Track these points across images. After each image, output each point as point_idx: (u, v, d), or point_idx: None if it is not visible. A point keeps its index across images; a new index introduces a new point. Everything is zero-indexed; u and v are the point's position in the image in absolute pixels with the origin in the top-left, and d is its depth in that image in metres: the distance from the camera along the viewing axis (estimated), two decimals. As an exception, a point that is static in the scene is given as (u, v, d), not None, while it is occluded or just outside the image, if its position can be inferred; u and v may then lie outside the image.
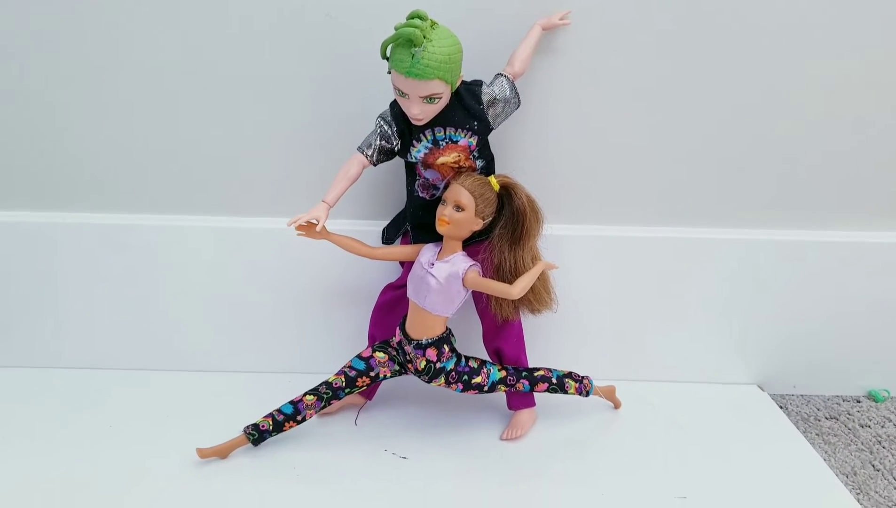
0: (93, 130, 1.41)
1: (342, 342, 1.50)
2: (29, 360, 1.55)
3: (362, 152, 1.25)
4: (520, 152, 1.41)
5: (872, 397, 1.56)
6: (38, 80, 1.37)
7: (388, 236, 1.42)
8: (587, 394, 1.38)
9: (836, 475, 1.28)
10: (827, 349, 1.55)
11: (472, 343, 1.40)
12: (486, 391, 1.31)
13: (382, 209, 1.45)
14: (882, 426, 1.45)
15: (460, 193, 1.19)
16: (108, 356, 1.55)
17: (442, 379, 1.27)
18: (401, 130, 1.23)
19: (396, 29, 1.10)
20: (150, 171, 1.45)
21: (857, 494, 1.25)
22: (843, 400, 1.54)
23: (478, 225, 1.22)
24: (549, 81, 1.37)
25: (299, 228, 1.21)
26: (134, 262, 1.48)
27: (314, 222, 1.20)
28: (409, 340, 1.26)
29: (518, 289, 1.18)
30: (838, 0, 1.31)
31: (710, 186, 1.45)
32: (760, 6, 1.32)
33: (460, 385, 1.28)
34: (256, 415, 1.30)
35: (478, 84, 1.23)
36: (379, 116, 1.25)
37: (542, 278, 1.28)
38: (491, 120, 1.24)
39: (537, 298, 1.28)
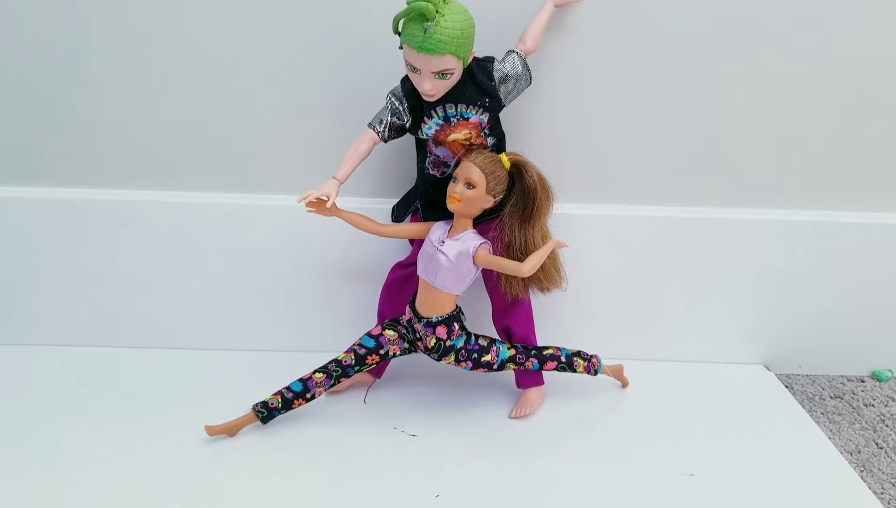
0: (98, 107, 1.40)
1: (351, 319, 1.50)
2: (37, 337, 1.54)
3: (373, 129, 1.24)
4: (530, 130, 1.40)
5: (876, 377, 1.57)
6: (38, 55, 1.35)
7: (398, 214, 1.41)
8: (595, 373, 1.38)
9: (841, 452, 1.29)
10: (832, 330, 1.56)
11: (481, 322, 1.40)
12: (496, 370, 1.31)
13: (392, 187, 1.44)
14: (885, 406, 1.46)
15: (471, 170, 1.18)
16: (116, 334, 1.54)
17: (451, 357, 1.27)
18: (412, 106, 1.22)
19: (408, 3, 1.09)
20: (157, 147, 1.43)
21: (861, 471, 1.26)
22: (848, 380, 1.55)
23: (489, 203, 1.21)
24: (561, 58, 1.36)
25: (309, 204, 1.20)
26: (141, 239, 1.47)
27: (324, 198, 1.19)
28: (419, 318, 1.26)
29: (529, 267, 1.17)
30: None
31: (720, 167, 1.45)
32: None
33: (470, 363, 1.28)
34: (265, 393, 1.30)
35: (489, 60, 1.21)
36: (390, 93, 1.24)
37: (552, 257, 1.28)
38: (502, 97, 1.22)
39: (547, 276, 1.28)
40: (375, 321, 1.44)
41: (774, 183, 1.47)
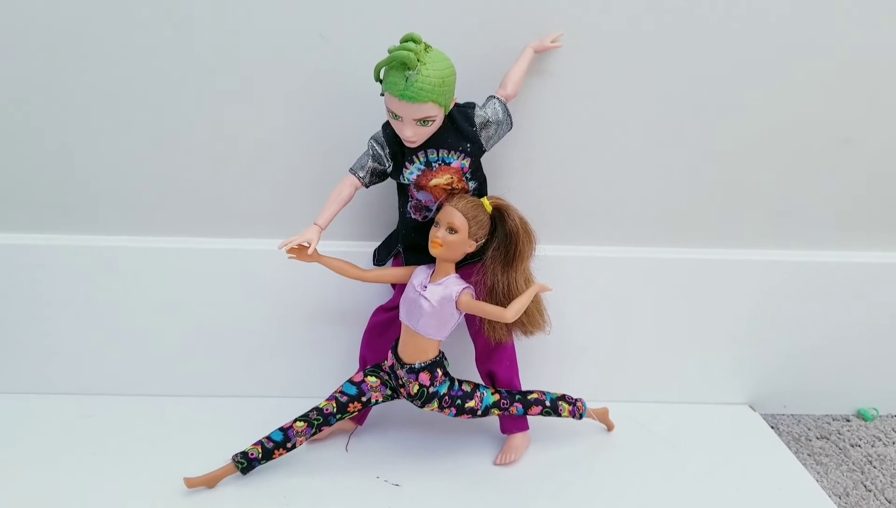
0: (82, 152, 1.39)
1: (334, 364, 1.48)
2: (14, 386, 1.51)
3: (354, 174, 1.24)
4: (511, 173, 1.40)
5: (862, 415, 1.56)
6: (26, 99, 1.34)
7: (380, 258, 1.40)
8: (580, 417, 1.37)
9: (829, 496, 1.28)
10: (816, 369, 1.56)
11: (464, 366, 1.38)
12: (480, 416, 1.29)
13: (374, 230, 1.43)
14: (872, 446, 1.45)
15: (453, 215, 1.18)
16: (95, 382, 1.51)
17: (435, 404, 1.25)
18: (393, 151, 1.22)
19: (390, 52, 1.09)
20: (138, 192, 1.42)
21: (850, 515, 1.25)
22: (834, 419, 1.55)
23: (471, 247, 1.21)
24: (541, 102, 1.37)
25: (290, 250, 1.19)
26: (121, 285, 1.45)
27: (306, 244, 1.19)
28: (402, 364, 1.24)
29: (513, 312, 1.17)
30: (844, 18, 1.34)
31: (702, 207, 1.46)
32: (756, 23, 1.33)
33: (454, 410, 1.26)
34: (245, 441, 1.27)
35: (471, 106, 1.22)
36: (371, 138, 1.24)
37: (536, 301, 1.27)
38: (484, 142, 1.23)
39: (530, 320, 1.27)
40: (358, 365, 1.42)
41: (755, 223, 1.47)
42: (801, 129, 1.41)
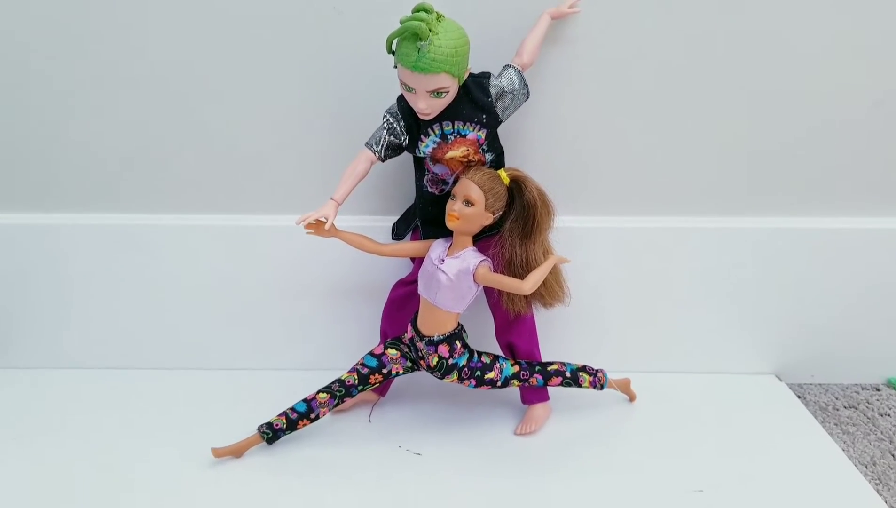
0: (100, 131, 1.41)
1: (355, 338, 1.50)
2: (42, 360, 1.56)
3: (370, 148, 1.24)
4: (529, 144, 1.39)
5: (892, 384, 1.53)
6: (44, 79, 1.37)
7: (398, 232, 1.40)
8: (602, 387, 1.37)
9: (856, 465, 1.26)
10: (845, 337, 1.52)
11: (484, 338, 1.39)
12: (500, 387, 1.30)
13: (392, 205, 1.44)
14: (902, 415, 1.43)
15: (470, 187, 1.18)
16: (121, 356, 1.56)
17: (454, 375, 1.27)
18: (408, 124, 1.22)
19: (402, 22, 1.08)
20: (157, 170, 1.45)
21: (877, 485, 1.23)
22: (863, 388, 1.52)
23: (488, 220, 1.21)
24: (559, 71, 1.35)
25: (308, 226, 1.20)
26: (143, 262, 1.48)
27: (323, 219, 1.20)
28: (421, 336, 1.25)
29: (530, 284, 1.16)
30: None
31: (726, 175, 1.43)
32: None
33: (473, 381, 1.27)
34: (270, 413, 1.30)
35: (486, 76, 1.21)
36: (386, 112, 1.24)
37: (554, 272, 1.27)
38: (500, 112, 1.22)
39: (549, 292, 1.27)
40: (378, 338, 1.44)
41: (782, 190, 1.44)
42: (834, 92, 1.36)
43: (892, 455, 1.30)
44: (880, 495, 1.20)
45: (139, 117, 1.40)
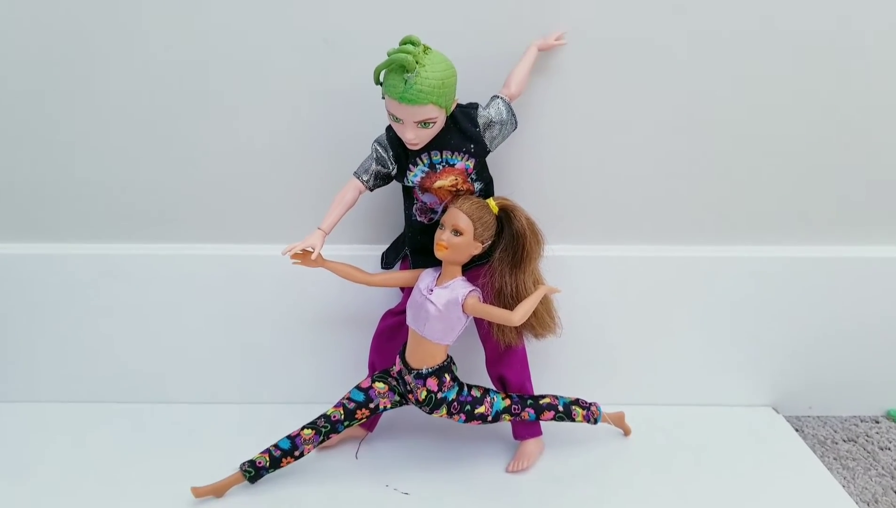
0: (84, 158, 1.40)
1: (342, 369, 1.47)
2: (16, 394, 1.52)
3: (358, 178, 1.22)
4: (518, 172, 1.37)
5: (891, 417, 1.50)
6: (29, 107, 1.36)
7: (388, 261, 1.38)
8: (595, 421, 1.33)
9: (857, 502, 1.23)
10: (843, 368, 1.50)
11: (474, 370, 1.36)
12: (491, 422, 1.26)
13: (381, 233, 1.42)
14: (903, 449, 1.39)
15: (458, 217, 1.16)
16: (100, 390, 1.51)
17: (444, 410, 1.23)
18: (397, 154, 1.21)
19: (389, 54, 1.08)
20: (142, 198, 1.43)
21: (880, 522, 1.20)
22: (861, 421, 1.49)
23: (477, 249, 1.19)
24: (546, 100, 1.34)
25: (294, 256, 1.18)
26: (126, 292, 1.46)
27: (310, 249, 1.18)
28: (409, 369, 1.22)
29: (519, 315, 1.14)
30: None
31: (720, 202, 1.42)
32: (767, 24, 1.29)
33: (463, 416, 1.24)
34: (253, 447, 1.26)
35: (473, 107, 1.20)
36: (375, 141, 1.23)
37: (545, 302, 1.25)
38: (487, 143, 1.21)
39: (540, 322, 1.25)
40: (367, 369, 1.40)
41: (778, 219, 1.43)
42: (833, 120, 1.36)
43: (895, 492, 1.26)
44: (883, 532, 1.17)
45: (125, 146, 1.39)
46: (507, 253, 1.20)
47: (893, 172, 1.39)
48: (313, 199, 1.38)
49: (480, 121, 1.19)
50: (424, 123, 1.12)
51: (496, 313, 1.16)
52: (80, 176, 1.41)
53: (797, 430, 1.45)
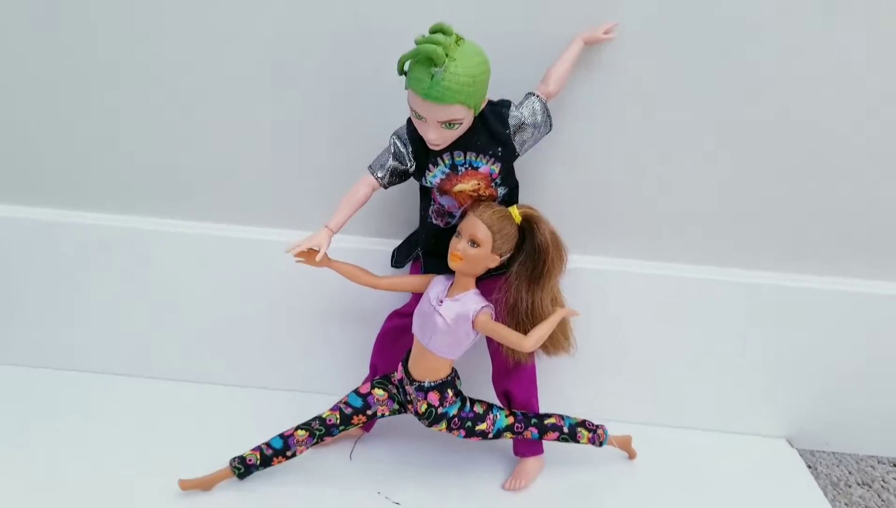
0: (96, 129, 1.33)
1: (345, 363, 1.41)
2: (8, 358, 1.48)
3: (373, 174, 1.13)
4: (546, 176, 1.28)
5: (911, 460, 1.44)
6: (49, 72, 1.29)
7: (398, 260, 1.30)
8: (601, 444, 1.27)
9: (865, 558, 1.18)
10: (864, 404, 1.42)
11: (480, 383, 1.29)
12: (491, 439, 1.21)
13: (395, 228, 1.33)
14: (919, 499, 1.33)
15: (477, 227, 1.07)
16: (95, 359, 1.47)
17: (443, 425, 1.17)
18: (416, 150, 1.11)
19: (417, 43, 0.97)
20: (152, 173, 1.36)
21: (886, 578, 1.15)
22: (879, 462, 1.42)
23: (494, 262, 1.10)
24: (586, 98, 1.23)
25: (299, 254, 1.11)
26: (130, 265, 1.40)
27: (316, 249, 1.10)
28: (411, 380, 1.16)
29: (532, 341, 1.07)
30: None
31: (753, 227, 1.32)
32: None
33: (463, 432, 1.18)
34: (249, 434, 1.22)
35: (505, 105, 1.09)
36: (394, 134, 1.13)
37: (562, 322, 1.17)
38: (517, 147, 1.11)
39: (553, 343, 1.17)
40: (368, 370, 1.34)
41: (804, 246, 1.34)
42: (871, 150, 1.25)
43: (905, 548, 1.21)
44: (889, 593, 1.12)
45: (144, 119, 1.32)
46: (525, 267, 1.11)
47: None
48: (328, 187, 1.29)
49: (512, 122, 1.09)
50: (449, 124, 1.01)
51: (508, 336, 1.08)
52: (82, 140, 1.34)
53: (810, 466, 1.38)
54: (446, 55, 0.96)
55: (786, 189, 1.30)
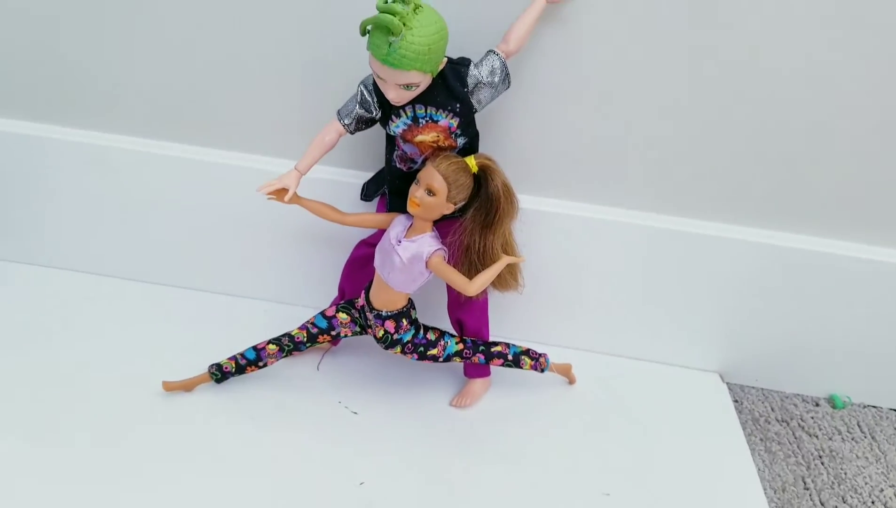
0: (92, 47, 1.39)
1: (317, 278, 1.54)
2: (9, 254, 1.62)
3: (340, 120, 1.21)
4: (506, 120, 1.34)
5: (832, 401, 1.56)
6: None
7: (367, 193, 1.40)
8: (542, 371, 1.41)
9: (766, 489, 1.31)
10: (795, 345, 1.52)
11: (436, 311, 1.43)
12: (442, 362, 1.35)
13: (365, 161, 1.42)
14: (830, 439, 1.46)
15: (434, 177, 1.16)
16: (89, 261, 1.61)
17: (398, 349, 1.31)
18: (381, 101, 1.17)
19: (377, 8, 1.02)
20: (141, 94, 1.43)
21: (777, 512, 1.29)
22: (802, 400, 1.55)
23: (448, 209, 1.19)
24: (547, 46, 1.27)
25: (269, 193, 1.21)
26: (118, 179, 1.50)
27: (285, 188, 1.20)
28: (371, 308, 1.29)
29: (476, 286, 1.18)
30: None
31: (706, 179, 1.38)
32: None
33: (416, 356, 1.32)
34: (227, 339, 1.40)
35: (465, 64, 1.15)
36: (361, 82, 1.19)
37: (510, 265, 1.27)
38: (475, 104, 1.17)
39: (502, 282, 1.28)
40: (336, 290, 1.47)
41: (760, 201, 1.41)
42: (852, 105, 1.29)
43: (804, 483, 1.35)
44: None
45: (130, 39, 1.37)
46: (479, 213, 1.21)
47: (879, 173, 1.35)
48: (308, 113, 1.38)
49: (470, 81, 1.14)
50: (407, 86, 1.08)
51: (455, 279, 1.19)
52: (74, 57, 1.40)
53: (736, 401, 1.52)
54: (403, 24, 1.01)
55: (748, 139, 1.34)
